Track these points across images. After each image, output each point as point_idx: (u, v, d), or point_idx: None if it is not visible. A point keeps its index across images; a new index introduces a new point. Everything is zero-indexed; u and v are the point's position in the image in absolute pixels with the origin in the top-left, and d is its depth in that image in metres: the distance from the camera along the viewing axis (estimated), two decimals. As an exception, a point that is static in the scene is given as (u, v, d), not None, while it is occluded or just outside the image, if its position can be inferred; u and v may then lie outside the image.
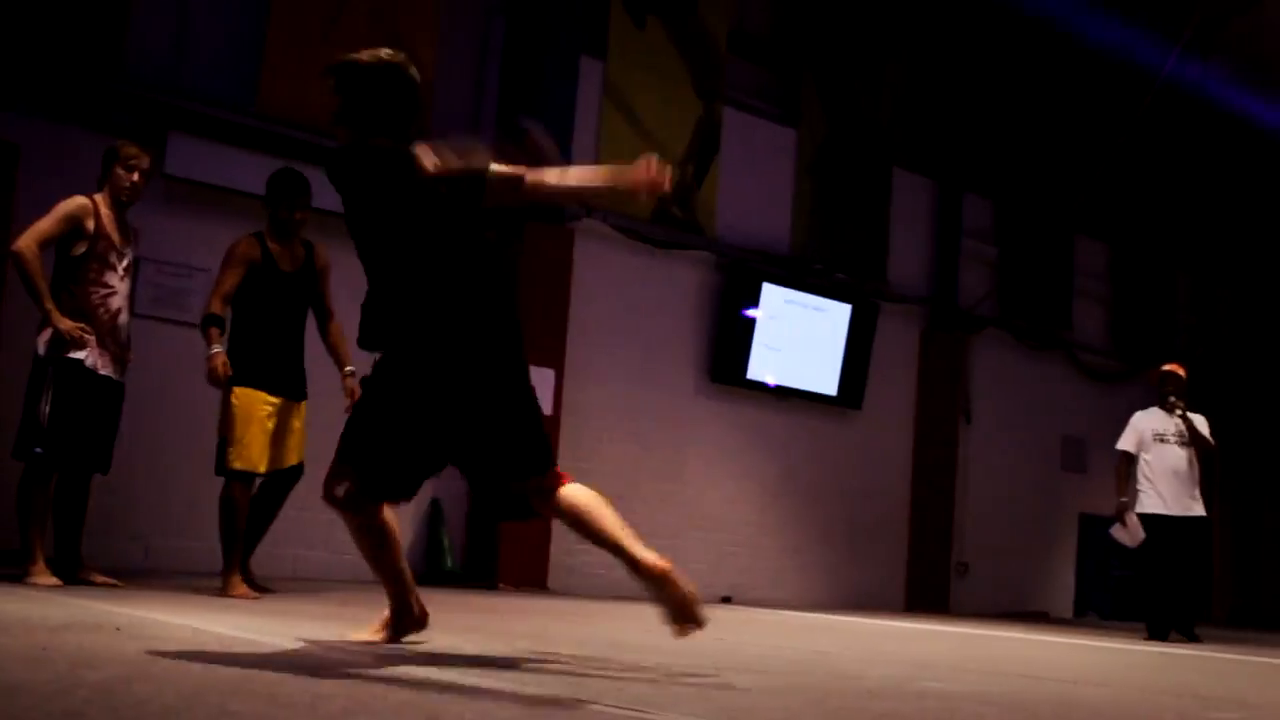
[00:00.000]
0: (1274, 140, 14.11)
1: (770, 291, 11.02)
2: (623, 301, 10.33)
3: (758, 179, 11.14)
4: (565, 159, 5.17)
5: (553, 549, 9.36)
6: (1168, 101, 12.33)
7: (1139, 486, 9.00)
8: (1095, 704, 3.95)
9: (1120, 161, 12.36)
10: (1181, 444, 9.01)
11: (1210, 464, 9.39)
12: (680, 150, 10.44)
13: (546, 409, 5.20)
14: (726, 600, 10.17)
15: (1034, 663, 5.83)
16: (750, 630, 6.77)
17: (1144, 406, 9.31)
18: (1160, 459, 8.98)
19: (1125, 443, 9.12)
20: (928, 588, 11.87)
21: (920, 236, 12.30)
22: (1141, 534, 8.92)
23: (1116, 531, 9.09)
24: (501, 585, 9.01)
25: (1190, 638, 8.64)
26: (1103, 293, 13.95)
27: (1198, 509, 8.94)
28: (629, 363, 10.32)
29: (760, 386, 11.01)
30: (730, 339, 10.86)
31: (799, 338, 11.21)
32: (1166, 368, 9.34)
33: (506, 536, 9.06)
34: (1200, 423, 9.03)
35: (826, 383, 11.46)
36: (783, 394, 11.15)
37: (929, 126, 12.45)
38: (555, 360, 9.47)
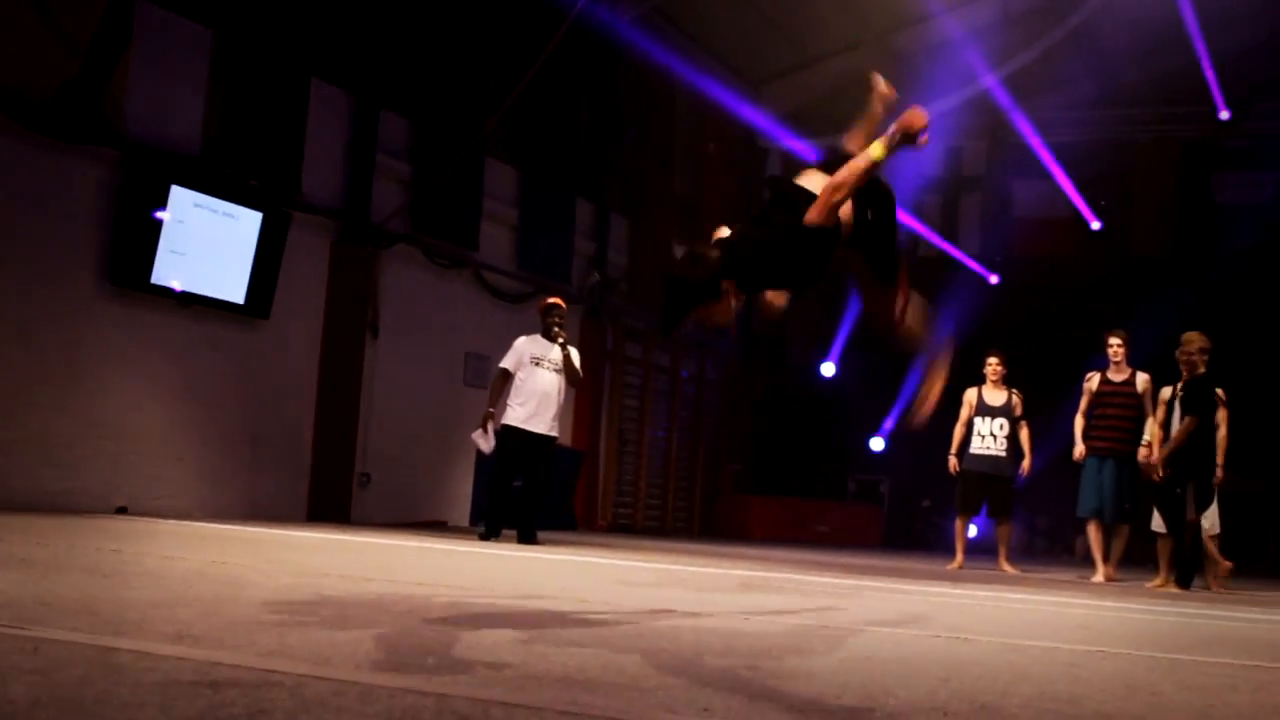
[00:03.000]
0: (668, 78, 16.89)
1: (179, 194, 11.55)
2: (8, 193, 10.41)
3: (171, 77, 11.64)
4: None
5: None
6: (579, 34, 14.52)
7: (509, 401, 11.15)
8: (484, 609, 5.10)
9: (531, 88, 14.36)
10: (554, 370, 11.27)
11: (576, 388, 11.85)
12: (86, 38, 11.02)
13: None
14: (122, 510, 10.87)
15: (433, 570, 7.09)
16: (148, 541, 7.44)
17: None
18: (532, 380, 11.12)
19: (506, 362, 11.14)
20: (330, 497, 13.16)
21: (335, 149, 13.49)
22: (493, 443, 11.21)
23: (477, 436, 11.28)
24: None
25: (532, 540, 10.83)
26: (510, 216, 16.02)
27: (554, 430, 11.16)
28: (17, 260, 10.45)
29: (165, 291, 11.52)
30: (133, 241, 11.21)
31: (207, 243, 11.86)
32: (550, 300, 11.56)
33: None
34: (574, 355, 11.36)
35: (234, 290, 12.22)
36: (188, 300, 11.75)
37: (349, 40, 13.67)
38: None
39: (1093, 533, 11.65)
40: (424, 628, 3.98)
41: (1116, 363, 11.50)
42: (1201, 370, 10.26)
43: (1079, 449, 11.48)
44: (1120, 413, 11.40)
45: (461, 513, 15.00)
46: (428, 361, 14.61)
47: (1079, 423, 11.56)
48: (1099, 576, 11.38)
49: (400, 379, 14.20)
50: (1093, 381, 11.63)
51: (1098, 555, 11.60)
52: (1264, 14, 18.37)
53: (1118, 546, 11.74)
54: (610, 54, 16.45)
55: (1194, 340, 10.27)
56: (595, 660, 3.42)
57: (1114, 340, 11.51)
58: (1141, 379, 11.42)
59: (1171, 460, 10.18)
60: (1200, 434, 10.12)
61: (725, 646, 4.03)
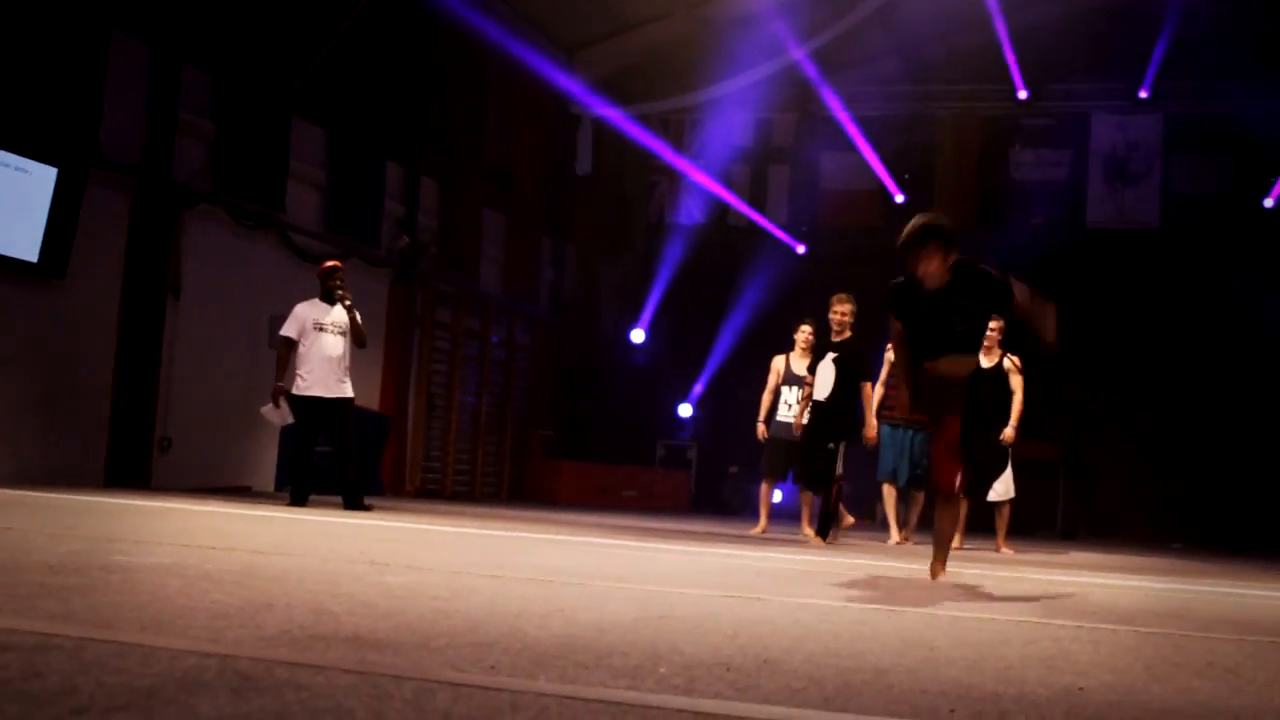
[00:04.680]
0: (482, 42, 16.80)
1: (-33, 147, 11.15)
2: None
3: (-40, 25, 11.32)
4: None
5: None
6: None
7: (297, 371, 10.96)
8: (281, 571, 4.99)
9: (339, 49, 14.16)
10: (338, 333, 11.15)
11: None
12: None
13: None
14: (-93, 476, 10.71)
15: (230, 534, 7.02)
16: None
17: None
18: (316, 345, 10.96)
19: (288, 330, 10.92)
20: (129, 462, 12.83)
21: (136, 105, 13.18)
22: (290, 416, 11.04)
23: (267, 411, 11.12)
24: None
25: (360, 507, 10.78)
26: (317, 177, 15.78)
27: (346, 391, 11.04)
28: None
29: (-49, 249, 11.21)
30: (-84, 195, 10.99)
31: (-1, 199, 11.51)
32: (329, 263, 11.45)
33: None
34: (357, 316, 11.24)
35: (27, 248, 11.85)
36: (-24, 258, 11.33)
37: (152, -6, 13.36)
38: None
39: (888, 496, 12.01)
40: (215, 590, 3.94)
41: None
42: (849, 334, 10.68)
43: (871, 430, 11.80)
44: None
45: (266, 478, 14.79)
46: (232, 324, 14.34)
47: (878, 393, 11.86)
48: (894, 539, 11.74)
49: (203, 341, 13.92)
50: (891, 353, 11.94)
51: (892, 519, 11.97)
52: (1060, -4, 19.04)
53: (914, 511, 12.12)
54: (424, 15, 16.28)
55: (845, 301, 10.63)
56: (386, 621, 3.44)
57: None
58: None
59: (821, 419, 10.51)
60: (847, 396, 10.55)
61: (519, 607, 4.08)
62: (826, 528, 10.71)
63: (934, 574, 6.64)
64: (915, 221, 6.32)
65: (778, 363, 12.46)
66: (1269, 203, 18.49)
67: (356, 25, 13.47)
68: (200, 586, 4.03)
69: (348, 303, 11.15)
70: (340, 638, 3.05)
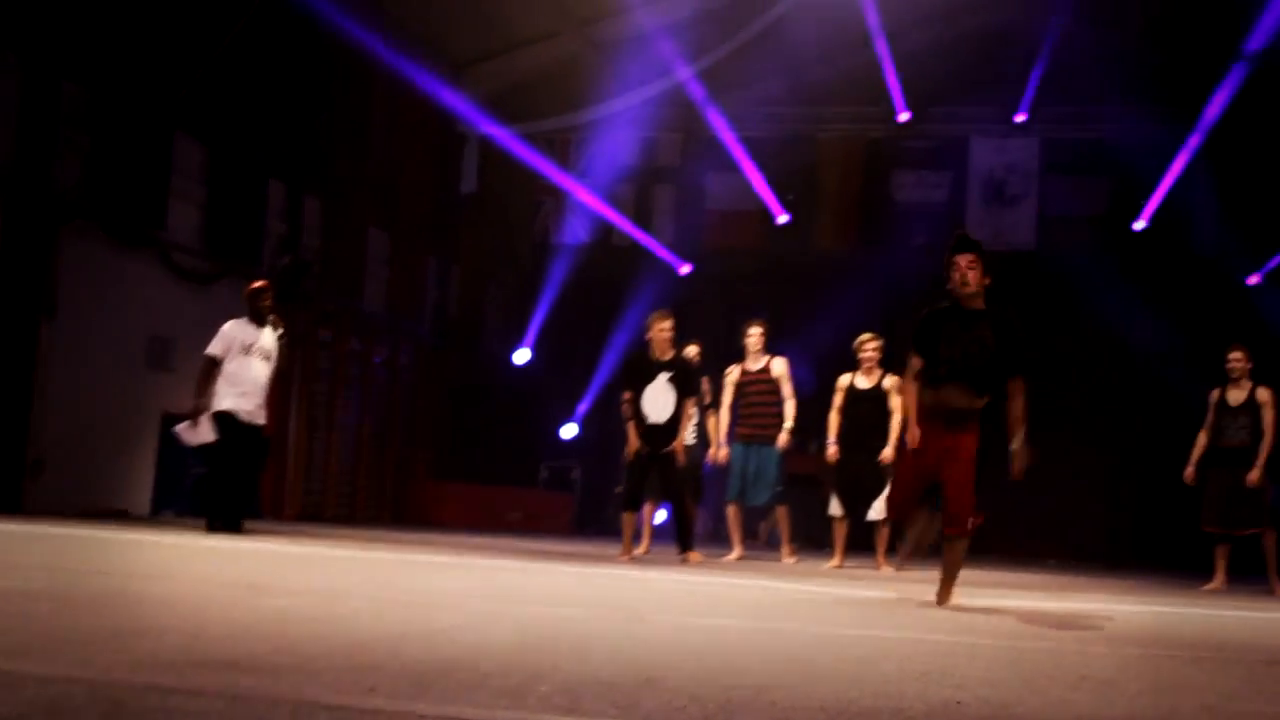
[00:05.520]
0: (367, 59, 16.71)
1: None
2: None
3: None
4: None
5: None
6: (277, 9, 14.19)
7: (224, 390, 10.79)
8: (156, 596, 4.97)
9: (223, 64, 13.98)
10: (264, 358, 10.98)
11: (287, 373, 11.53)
12: None
13: None
14: None
15: (103, 558, 6.96)
16: None
17: (234, 310, 11.20)
18: (243, 368, 10.79)
19: (214, 349, 10.70)
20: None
21: (8, 119, 12.94)
22: (209, 435, 10.82)
23: (183, 430, 10.90)
24: None
25: (236, 529, 10.61)
26: (198, 194, 15.53)
27: (261, 418, 10.86)
28: None
29: None
30: None
31: None
32: (259, 284, 11.21)
33: None
34: (279, 335, 11.09)
35: None
36: None
37: (24, 4, 13.09)
38: None
39: (731, 515, 12.15)
40: (86, 614, 3.86)
41: (754, 352, 12.00)
42: (674, 352, 10.71)
43: (722, 451, 11.92)
44: (761, 399, 11.90)
45: (142, 502, 14.50)
46: (109, 343, 14.03)
47: (725, 416, 11.98)
48: (734, 555, 11.86)
49: (78, 361, 13.60)
50: (733, 374, 12.07)
51: (734, 536, 12.09)
52: (941, 20, 19.38)
53: (782, 527, 12.26)
54: (309, 32, 16.10)
55: (668, 317, 10.73)
56: (263, 645, 3.40)
57: (753, 330, 12.02)
58: (778, 364, 11.96)
59: (659, 440, 10.58)
60: (681, 412, 10.56)
61: (400, 630, 4.05)
62: (687, 542, 10.76)
63: (941, 600, 6.79)
64: (958, 232, 6.71)
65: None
66: (1140, 225, 18.96)
67: (240, 40, 13.31)
68: (71, 611, 3.95)
69: (280, 330, 11.02)
70: (215, 662, 3.00)
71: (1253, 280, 18.44)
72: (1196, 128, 18.18)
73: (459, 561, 8.71)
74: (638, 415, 10.63)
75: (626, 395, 10.77)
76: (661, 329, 10.68)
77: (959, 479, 6.50)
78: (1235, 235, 18.79)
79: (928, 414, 6.57)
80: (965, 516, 6.61)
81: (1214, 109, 17.90)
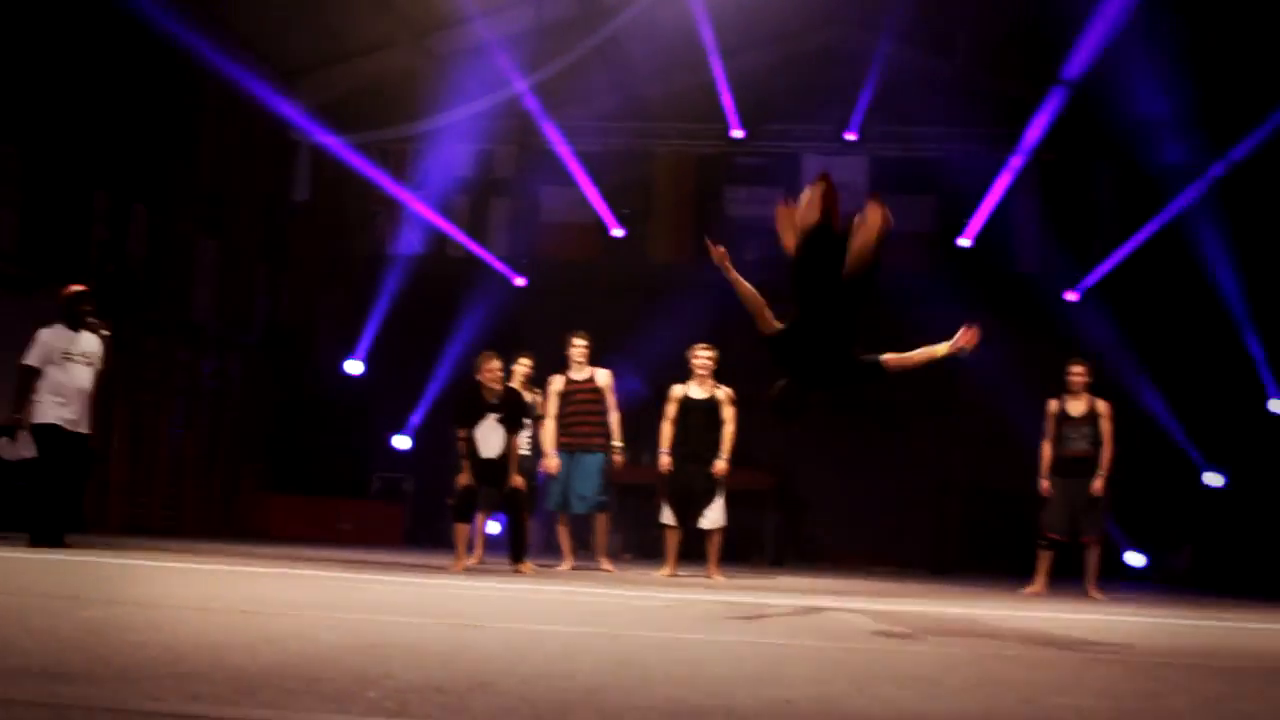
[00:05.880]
0: (197, 65, 16.34)
1: None
2: None
3: None
4: None
5: None
6: (95, 13, 13.80)
7: (48, 399, 10.39)
8: None
9: (41, 68, 13.56)
10: (87, 364, 10.63)
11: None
12: None
13: None
14: None
15: None
16: None
17: (53, 318, 10.80)
18: (67, 376, 10.44)
19: (31, 358, 10.26)
20: None
21: None
22: (29, 450, 10.44)
23: (1, 446, 10.53)
24: None
25: (59, 543, 10.25)
26: (16, 199, 15.03)
27: (85, 426, 10.51)
28: None
29: None
30: None
31: None
32: (76, 288, 10.78)
33: None
34: (103, 335, 10.75)
35: None
36: None
37: None
38: None
39: (560, 525, 12.21)
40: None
41: (578, 362, 12.09)
42: (503, 388, 10.84)
43: (552, 461, 11.97)
44: (584, 409, 11.99)
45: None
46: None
47: (550, 426, 12.02)
48: (565, 565, 11.93)
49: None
50: (556, 383, 12.12)
51: (565, 546, 12.16)
52: (774, 41, 19.69)
53: (600, 536, 12.32)
54: (136, 36, 15.67)
55: (494, 358, 10.84)
56: (80, 655, 3.30)
57: (577, 341, 12.12)
58: (602, 375, 12.07)
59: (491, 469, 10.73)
60: (511, 448, 10.74)
61: (225, 638, 3.96)
62: (520, 553, 10.81)
63: None
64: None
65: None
66: (964, 242, 19.45)
67: (61, 43, 12.92)
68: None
69: (106, 333, 10.66)
70: (30, 672, 2.90)
71: (1071, 296, 19.05)
72: (1018, 149, 18.72)
73: (287, 572, 8.55)
74: (471, 453, 10.75)
75: (461, 433, 10.80)
76: (490, 370, 10.79)
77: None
78: (1055, 253, 19.42)
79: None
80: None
81: (1034, 132, 18.45)
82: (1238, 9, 16.70)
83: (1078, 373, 11.86)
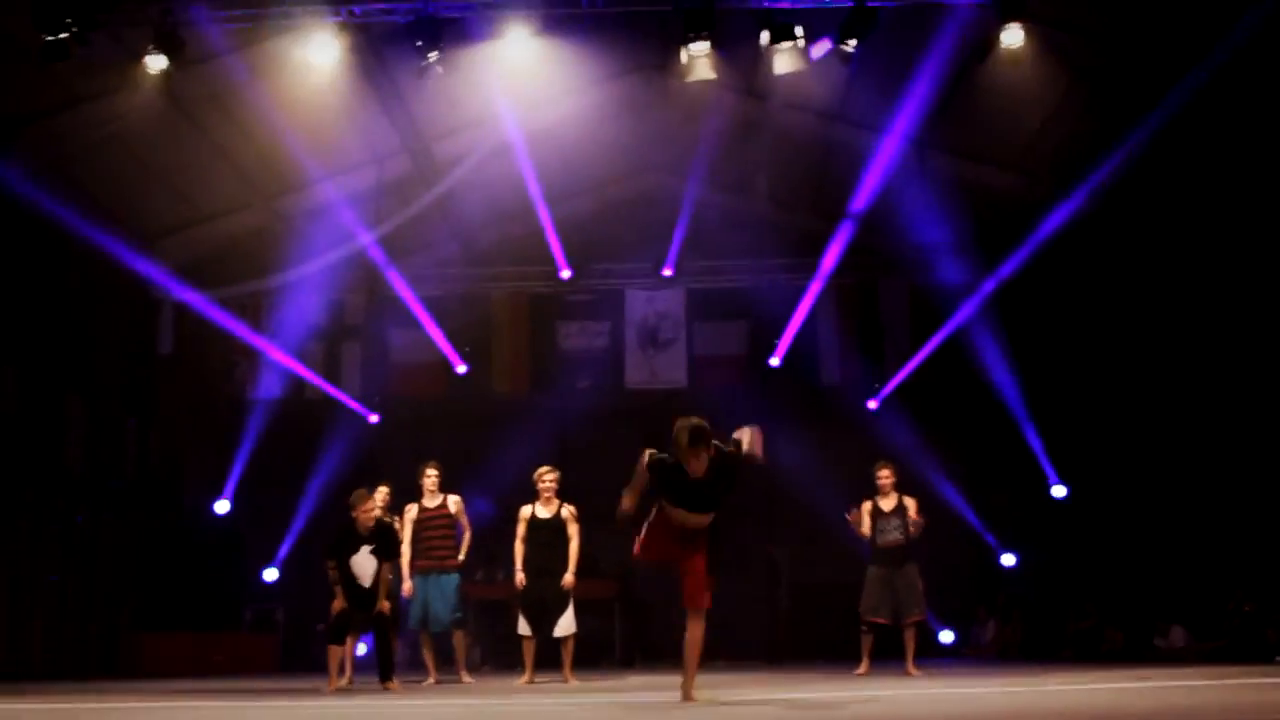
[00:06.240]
0: (61, 230, 16.19)
1: None
2: None
3: None
4: None
5: None
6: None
7: None
8: None
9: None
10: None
11: None
12: None
13: None
14: None
15: None
16: None
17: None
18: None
19: None
20: None
21: None
22: None
23: None
24: None
25: None
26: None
27: None
28: None
29: None
30: None
31: None
32: None
33: None
34: None
35: None
36: None
37: None
38: None
39: (424, 643, 12.23)
40: None
41: (431, 490, 12.22)
42: (374, 522, 11.03)
43: (405, 585, 12.03)
44: (438, 533, 12.12)
45: None
46: None
47: (406, 551, 12.09)
48: (430, 680, 12.08)
49: None
50: (411, 511, 12.24)
51: (429, 663, 12.22)
52: (594, 190, 20.23)
53: (459, 651, 12.31)
54: (1, 206, 15.48)
55: (368, 498, 11.06)
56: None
57: (429, 471, 12.27)
58: (454, 501, 12.21)
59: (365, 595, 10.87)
60: (380, 576, 10.92)
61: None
62: (388, 672, 10.85)
63: (686, 696, 7.09)
64: (692, 424, 7.21)
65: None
66: (775, 361, 20.03)
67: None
68: None
69: None
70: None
71: (872, 405, 19.70)
72: (816, 275, 19.43)
73: (162, 705, 8.43)
74: (345, 580, 10.87)
75: (331, 563, 10.89)
76: (365, 510, 10.92)
77: (700, 570, 7.59)
78: (855, 367, 20.11)
79: (677, 534, 7.46)
80: (705, 598, 7.69)
81: (829, 259, 19.19)
82: (990, 145, 17.68)
83: (884, 475, 12.42)
